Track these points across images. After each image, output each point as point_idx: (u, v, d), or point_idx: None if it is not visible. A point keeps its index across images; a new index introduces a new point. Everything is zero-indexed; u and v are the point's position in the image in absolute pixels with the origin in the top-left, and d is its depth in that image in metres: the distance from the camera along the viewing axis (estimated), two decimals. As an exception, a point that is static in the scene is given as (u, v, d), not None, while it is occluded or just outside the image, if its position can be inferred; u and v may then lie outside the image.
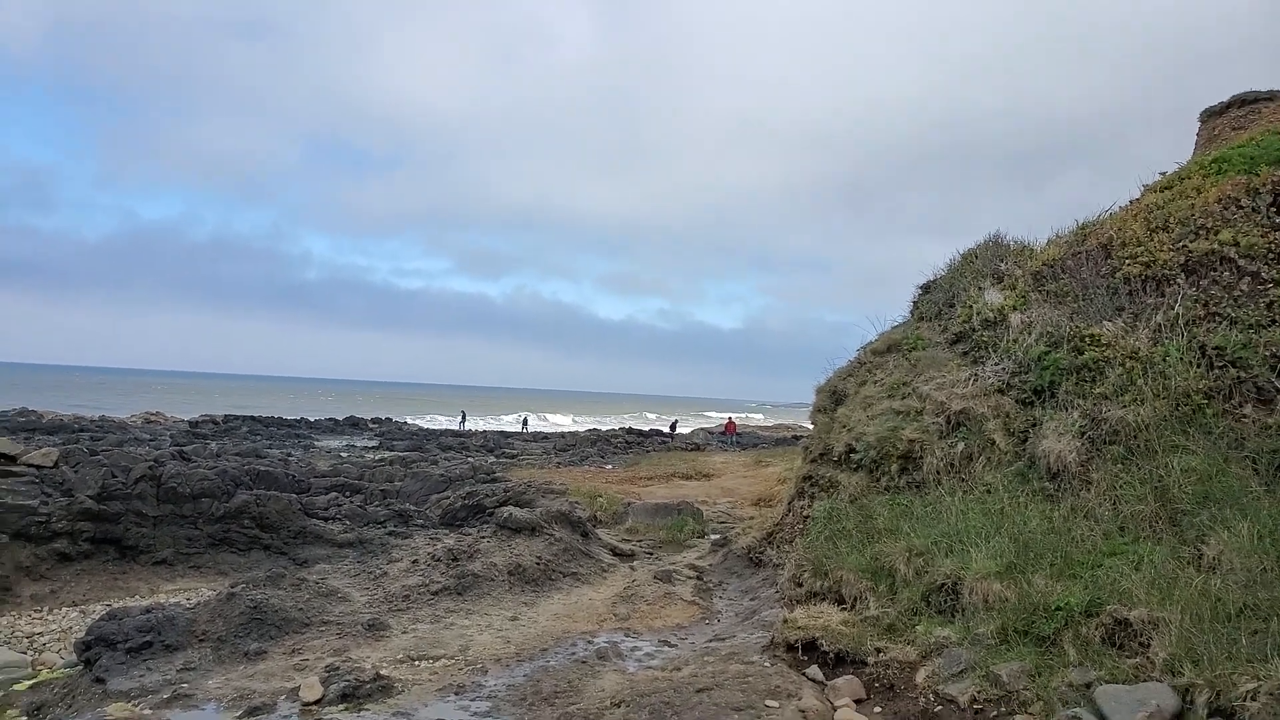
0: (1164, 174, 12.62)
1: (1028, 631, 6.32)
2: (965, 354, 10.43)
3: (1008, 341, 9.92)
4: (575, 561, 11.69)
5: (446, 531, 14.83)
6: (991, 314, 10.53)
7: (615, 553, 13.17)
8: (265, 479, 17.61)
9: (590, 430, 55.80)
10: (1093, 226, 11.39)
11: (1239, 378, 8.01)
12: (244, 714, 6.39)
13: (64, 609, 10.89)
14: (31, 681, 7.95)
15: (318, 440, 41.75)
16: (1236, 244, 9.10)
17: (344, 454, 34.31)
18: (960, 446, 9.11)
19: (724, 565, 12.39)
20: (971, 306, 10.88)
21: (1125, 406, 8.20)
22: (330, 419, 55.94)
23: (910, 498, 8.99)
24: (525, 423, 61.71)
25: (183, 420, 47.25)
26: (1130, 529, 7.22)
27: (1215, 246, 9.22)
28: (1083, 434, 8.23)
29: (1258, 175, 9.87)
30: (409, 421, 61.40)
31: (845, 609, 7.73)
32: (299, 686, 6.77)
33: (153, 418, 48.76)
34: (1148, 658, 5.63)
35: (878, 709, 6.33)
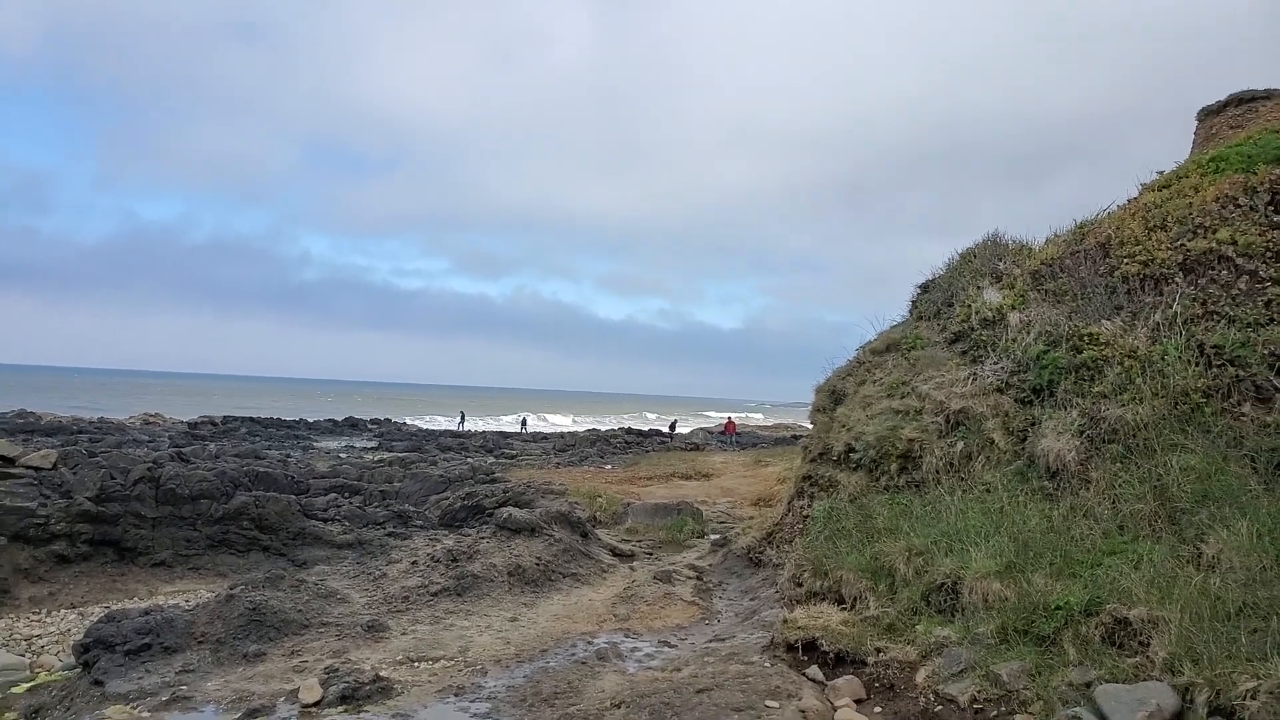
0: (1162, 173, 12.63)
1: (1027, 631, 6.32)
2: (964, 353, 10.43)
3: (1006, 341, 9.92)
4: (575, 562, 11.68)
5: (446, 532, 14.83)
6: (990, 313, 10.53)
7: (615, 553, 13.17)
8: (264, 480, 17.61)
9: (589, 430, 55.80)
10: (1091, 225, 11.39)
11: (1237, 376, 8.02)
12: (243, 716, 6.38)
13: (62, 611, 10.88)
14: (30, 684, 7.92)
15: (317, 441, 41.76)
16: (1234, 242, 9.11)
17: (343, 455, 34.32)
18: (959, 446, 9.11)
19: (724, 565, 12.39)
20: (970, 306, 10.88)
21: (1124, 405, 8.20)
22: (329, 420, 55.90)
23: (910, 497, 8.99)
24: (524, 423, 61.69)
25: (181, 421, 47.19)
26: (1129, 528, 7.22)
27: (1213, 245, 9.22)
28: (1082, 433, 8.23)
29: (1255, 174, 9.88)
30: (408, 422, 61.39)
31: (845, 609, 7.73)
32: (298, 688, 6.77)
33: (151, 419, 48.74)
34: (1147, 657, 5.62)
35: (878, 709, 6.32)
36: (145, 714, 6.46)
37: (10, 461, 12.46)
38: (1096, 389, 8.58)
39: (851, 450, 9.88)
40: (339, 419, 57.26)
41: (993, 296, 10.85)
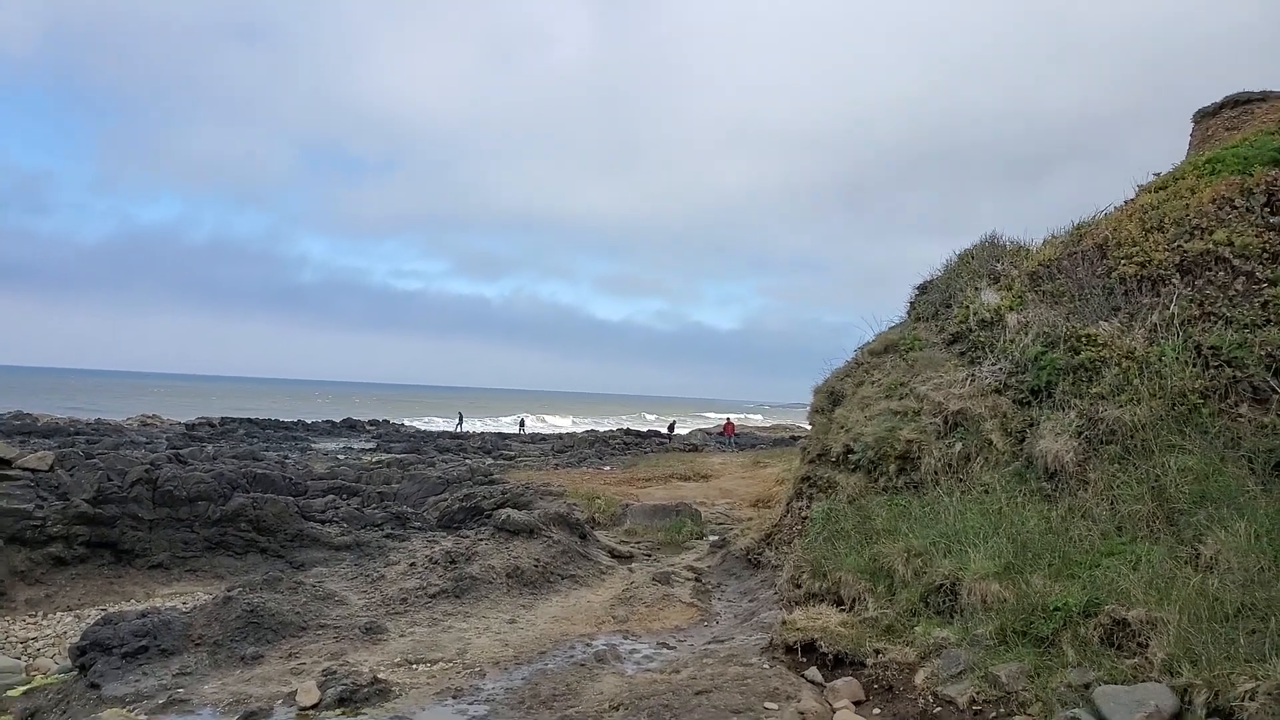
0: (1159, 174, 12.66)
1: (1026, 632, 6.32)
2: (962, 354, 10.44)
3: (1004, 342, 9.92)
4: (573, 564, 11.67)
5: (444, 534, 14.81)
6: (988, 314, 10.54)
7: (613, 555, 13.15)
8: (262, 482, 17.57)
9: (588, 431, 55.76)
10: (1088, 227, 11.41)
11: (1234, 377, 8.03)
12: (240, 719, 6.37)
13: (59, 614, 10.84)
14: (25, 687, 7.88)
15: (315, 443, 41.67)
16: (1231, 244, 9.13)
17: (341, 456, 34.25)
18: (958, 447, 9.12)
19: (722, 567, 12.38)
20: (968, 307, 10.89)
21: (1122, 406, 8.21)
22: (327, 421, 55.80)
23: (908, 498, 8.99)
24: (523, 424, 61.64)
25: (179, 423, 47.10)
26: (1128, 529, 7.23)
27: (1210, 246, 9.24)
28: (1079, 434, 8.23)
29: (1251, 175, 9.91)
30: (406, 423, 61.30)
31: (844, 610, 7.73)
32: (296, 691, 6.75)
33: (149, 420, 48.68)
34: (1146, 658, 5.63)
35: (877, 710, 6.31)
36: (142, 717, 6.45)
37: (7, 463, 12.42)
38: (1094, 390, 8.59)
39: (850, 451, 9.89)
40: (337, 420, 57.16)
41: (991, 298, 10.86)
